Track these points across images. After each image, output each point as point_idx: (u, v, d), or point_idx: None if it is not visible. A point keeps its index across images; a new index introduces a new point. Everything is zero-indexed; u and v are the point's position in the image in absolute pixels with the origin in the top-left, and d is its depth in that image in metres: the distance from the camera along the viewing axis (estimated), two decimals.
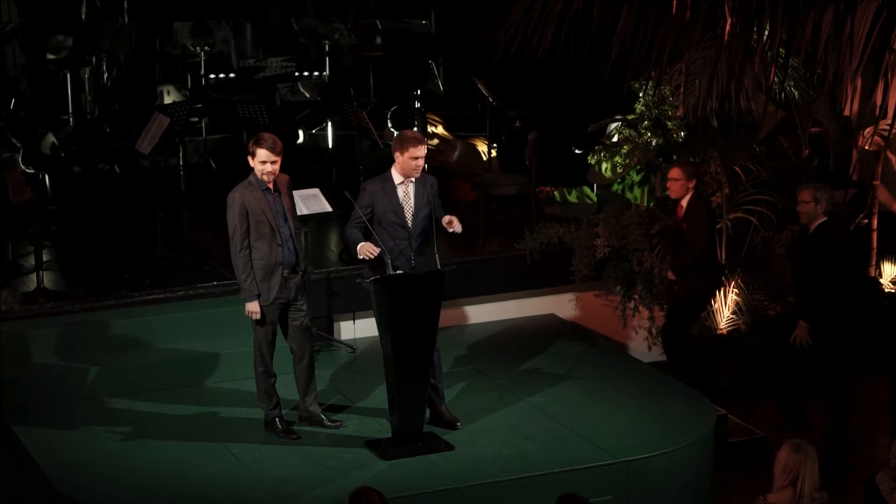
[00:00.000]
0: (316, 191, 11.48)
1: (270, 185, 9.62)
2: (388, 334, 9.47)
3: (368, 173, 11.94)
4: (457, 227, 9.74)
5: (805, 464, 7.85)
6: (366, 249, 9.50)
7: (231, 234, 9.60)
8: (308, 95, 15.47)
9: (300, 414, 10.03)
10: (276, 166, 9.60)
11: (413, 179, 9.72)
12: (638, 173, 13.03)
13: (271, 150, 9.53)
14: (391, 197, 9.71)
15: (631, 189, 13.07)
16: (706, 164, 11.99)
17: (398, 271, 9.55)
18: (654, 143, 12.71)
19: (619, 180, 13.17)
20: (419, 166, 9.69)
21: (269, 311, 9.68)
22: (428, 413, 9.87)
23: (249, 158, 9.61)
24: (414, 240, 9.74)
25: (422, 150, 9.66)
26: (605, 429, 10.00)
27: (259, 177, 9.59)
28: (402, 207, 9.72)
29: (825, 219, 10.61)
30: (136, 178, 13.80)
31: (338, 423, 9.99)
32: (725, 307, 11.93)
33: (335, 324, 11.65)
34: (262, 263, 9.62)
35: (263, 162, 9.54)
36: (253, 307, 9.64)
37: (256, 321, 9.70)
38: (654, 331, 12.21)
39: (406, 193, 9.74)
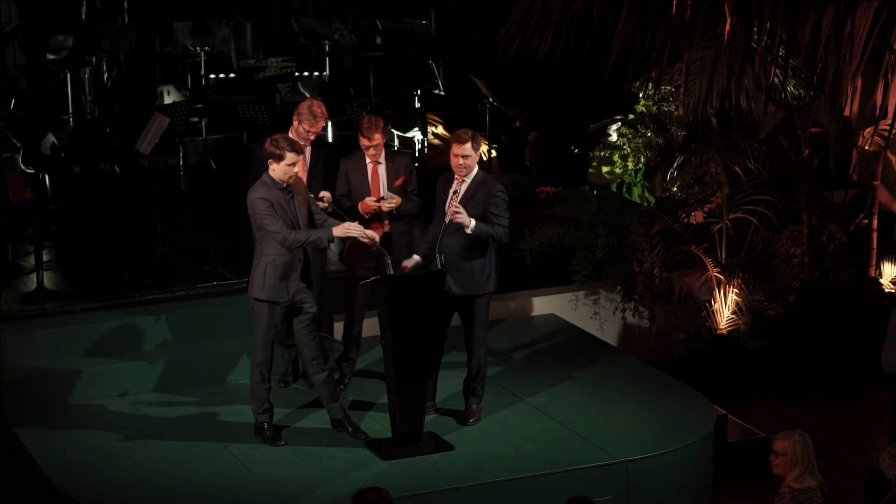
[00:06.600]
0: None
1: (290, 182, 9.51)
2: (388, 334, 9.47)
3: None
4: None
5: (811, 449, 7.92)
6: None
7: (268, 227, 9.36)
8: (308, 95, 15.45)
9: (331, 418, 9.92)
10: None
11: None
12: (638, 173, 13.02)
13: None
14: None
15: (630, 189, 13.06)
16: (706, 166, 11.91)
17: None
18: (654, 143, 12.71)
19: (619, 180, 13.16)
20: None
21: (275, 313, 9.57)
22: (429, 414, 9.89)
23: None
24: None
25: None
26: (605, 429, 10.00)
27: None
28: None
29: None
30: (136, 178, 13.79)
31: (361, 437, 9.80)
32: (725, 307, 11.93)
33: (335, 324, 11.63)
34: (282, 260, 9.46)
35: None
36: (338, 231, 9.48)
37: (266, 322, 9.55)
38: (654, 331, 12.20)
39: None
